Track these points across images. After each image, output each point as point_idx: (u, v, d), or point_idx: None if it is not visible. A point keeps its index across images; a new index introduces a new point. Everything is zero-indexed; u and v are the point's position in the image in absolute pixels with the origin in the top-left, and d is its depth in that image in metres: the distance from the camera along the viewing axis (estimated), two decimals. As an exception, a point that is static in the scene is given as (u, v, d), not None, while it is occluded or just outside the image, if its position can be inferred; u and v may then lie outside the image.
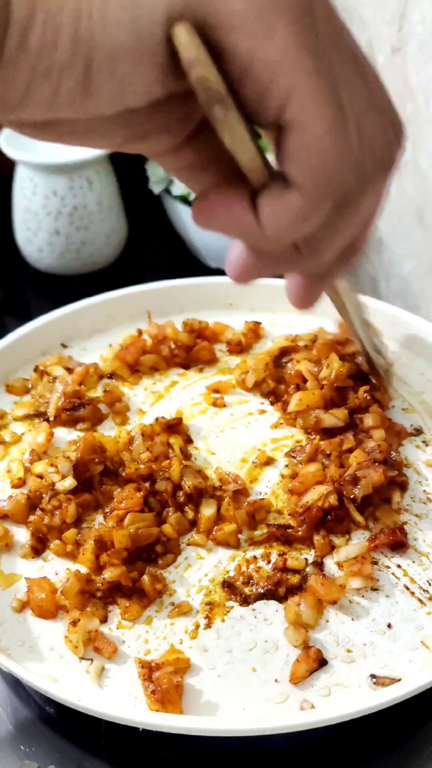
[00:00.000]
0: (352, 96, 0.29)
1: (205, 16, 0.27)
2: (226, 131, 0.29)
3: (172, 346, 0.66)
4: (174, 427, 0.58)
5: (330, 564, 0.50)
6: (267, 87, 0.28)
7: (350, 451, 0.55)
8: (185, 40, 0.27)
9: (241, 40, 0.27)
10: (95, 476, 0.55)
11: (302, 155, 0.29)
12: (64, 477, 0.53)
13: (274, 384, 0.63)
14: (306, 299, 0.40)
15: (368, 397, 0.58)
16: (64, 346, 0.69)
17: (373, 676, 0.45)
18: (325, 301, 0.53)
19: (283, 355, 0.65)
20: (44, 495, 0.53)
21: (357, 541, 0.51)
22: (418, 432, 0.60)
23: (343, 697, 0.44)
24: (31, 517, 0.53)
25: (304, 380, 0.61)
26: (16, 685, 0.51)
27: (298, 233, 0.32)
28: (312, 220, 0.31)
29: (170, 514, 0.52)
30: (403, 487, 0.54)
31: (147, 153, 0.34)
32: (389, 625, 0.47)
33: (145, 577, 0.48)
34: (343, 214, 0.32)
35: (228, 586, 0.49)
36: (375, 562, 0.50)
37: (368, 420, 0.57)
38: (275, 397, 0.63)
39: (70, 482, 0.53)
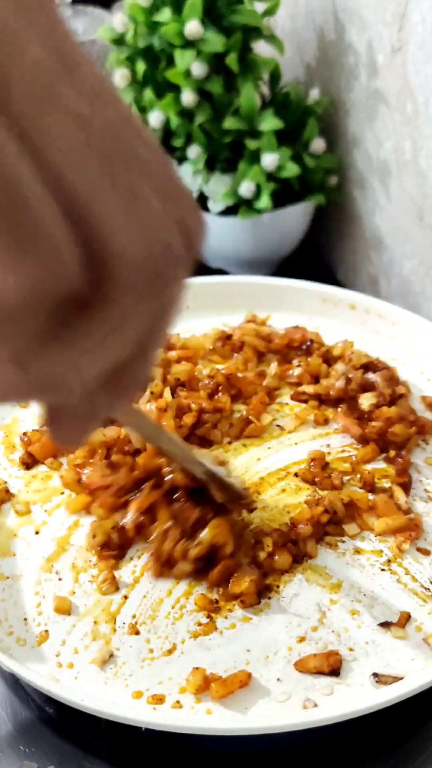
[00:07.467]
0: None
1: None
2: None
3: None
4: None
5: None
6: None
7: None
8: None
9: None
10: None
11: None
12: None
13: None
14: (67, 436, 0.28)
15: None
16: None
17: (375, 674, 0.44)
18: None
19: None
20: None
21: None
22: (419, 431, 0.60)
23: (345, 696, 0.44)
24: None
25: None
26: (16, 685, 0.50)
27: None
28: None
29: None
30: (405, 486, 0.55)
31: None
32: (391, 624, 0.47)
33: None
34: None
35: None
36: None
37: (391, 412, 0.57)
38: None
39: None
